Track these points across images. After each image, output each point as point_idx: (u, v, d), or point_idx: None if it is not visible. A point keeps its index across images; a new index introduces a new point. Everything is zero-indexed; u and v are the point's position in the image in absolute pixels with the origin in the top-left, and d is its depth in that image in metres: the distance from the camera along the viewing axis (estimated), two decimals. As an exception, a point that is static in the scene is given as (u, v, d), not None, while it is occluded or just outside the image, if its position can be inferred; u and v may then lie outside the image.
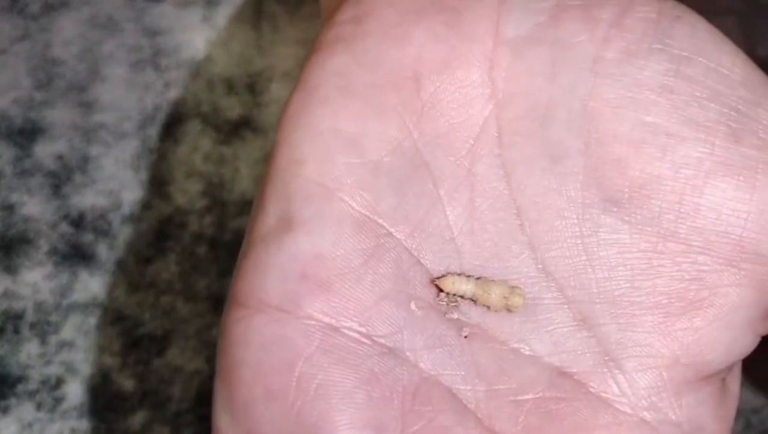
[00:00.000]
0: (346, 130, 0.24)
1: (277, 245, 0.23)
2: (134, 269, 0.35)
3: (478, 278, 0.24)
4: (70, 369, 0.33)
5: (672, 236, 0.23)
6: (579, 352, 0.24)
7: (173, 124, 0.37)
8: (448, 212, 0.24)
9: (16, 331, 0.34)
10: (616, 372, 0.24)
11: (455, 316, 0.24)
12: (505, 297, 0.24)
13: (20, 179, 0.36)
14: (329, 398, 0.22)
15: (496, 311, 0.24)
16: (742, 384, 0.34)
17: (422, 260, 0.24)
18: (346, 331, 0.23)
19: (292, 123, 0.24)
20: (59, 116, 0.37)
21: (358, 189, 0.24)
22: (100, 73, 0.38)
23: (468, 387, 0.24)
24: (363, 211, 0.24)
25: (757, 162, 0.23)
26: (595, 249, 0.24)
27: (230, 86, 0.38)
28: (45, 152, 0.36)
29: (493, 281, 0.24)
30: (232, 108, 0.37)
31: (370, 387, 0.23)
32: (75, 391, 0.33)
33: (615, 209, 0.24)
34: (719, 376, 0.24)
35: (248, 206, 0.35)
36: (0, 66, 0.38)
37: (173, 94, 0.38)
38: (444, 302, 0.24)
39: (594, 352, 0.24)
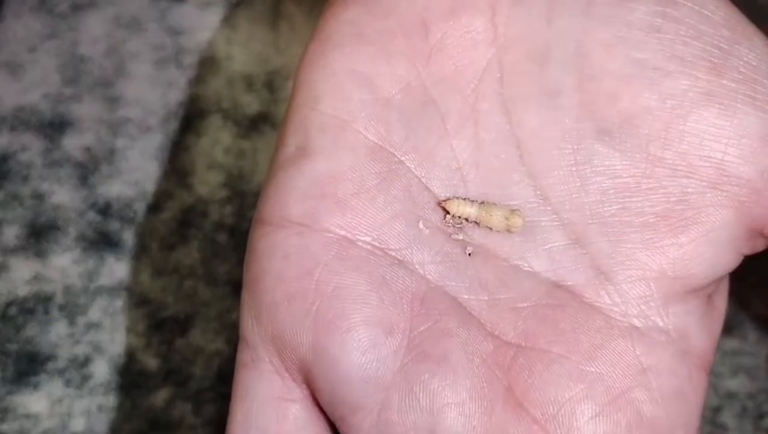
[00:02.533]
0: (360, 70, 0.25)
1: (296, 169, 0.25)
2: (158, 255, 0.35)
3: (481, 203, 0.25)
4: (97, 348, 0.34)
5: (659, 161, 0.25)
6: (573, 267, 0.25)
7: (195, 118, 0.38)
8: (454, 145, 0.26)
9: (46, 312, 0.35)
10: (608, 284, 0.25)
11: (460, 237, 0.25)
12: (506, 218, 0.25)
13: (50, 169, 0.37)
14: (344, 299, 0.24)
15: (497, 231, 0.25)
16: (739, 371, 0.34)
17: (430, 187, 0.25)
18: (360, 243, 0.24)
19: (309, 67, 0.26)
20: (87, 110, 0.38)
21: (371, 121, 0.25)
22: (126, 69, 0.38)
23: (471, 297, 0.25)
24: (376, 140, 0.25)
25: (737, 93, 0.24)
26: (589, 175, 0.25)
27: (249, 83, 0.38)
28: (73, 144, 0.37)
29: (494, 204, 0.25)
30: (251, 104, 0.38)
31: (382, 291, 0.24)
32: (102, 369, 0.34)
33: (607, 139, 0.25)
34: (705, 291, 0.26)
35: (266, 197, 0.36)
36: (30, 63, 0.38)
37: (195, 90, 0.38)
38: (450, 224, 0.25)
39: (587, 267, 0.25)
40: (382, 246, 0.25)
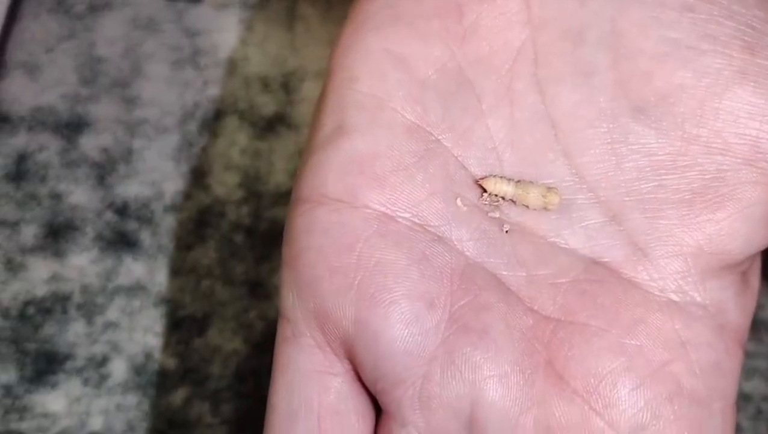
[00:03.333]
0: (396, 51, 0.25)
1: (334, 147, 0.25)
2: (176, 255, 0.36)
3: (517, 181, 0.25)
4: (115, 347, 0.34)
5: (694, 139, 0.25)
6: (610, 244, 0.25)
7: (212, 119, 0.38)
8: (489, 124, 0.26)
9: (64, 312, 0.35)
10: (645, 260, 0.25)
11: (497, 215, 0.25)
12: (542, 196, 0.25)
13: (67, 169, 0.37)
14: (386, 273, 0.24)
15: (534, 209, 0.25)
16: (754, 374, 0.34)
17: (467, 166, 0.26)
18: (400, 219, 0.25)
19: (345, 49, 0.26)
20: (104, 110, 0.38)
21: (408, 101, 0.25)
22: (143, 70, 0.39)
23: (510, 273, 0.25)
24: (413, 119, 0.25)
25: None
26: (624, 153, 0.25)
27: (265, 84, 0.39)
28: (90, 144, 0.37)
29: (531, 182, 0.25)
30: (267, 105, 0.38)
31: (422, 266, 0.24)
32: (120, 368, 0.34)
33: (642, 117, 0.25)
34: (740, 268, 0.26)
35: (283, 198, 0.36)
36: (48, 63, 0.39)
37: (212, 91, 0.38)
38: (487, 202, 0.25)
39: (624, 244, 0.25)
40: (422, 223, 0.25)
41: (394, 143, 0.25)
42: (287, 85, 0.39)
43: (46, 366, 0.34)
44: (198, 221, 0.36)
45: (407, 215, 0.25)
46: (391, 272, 0.24)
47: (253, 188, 0.37)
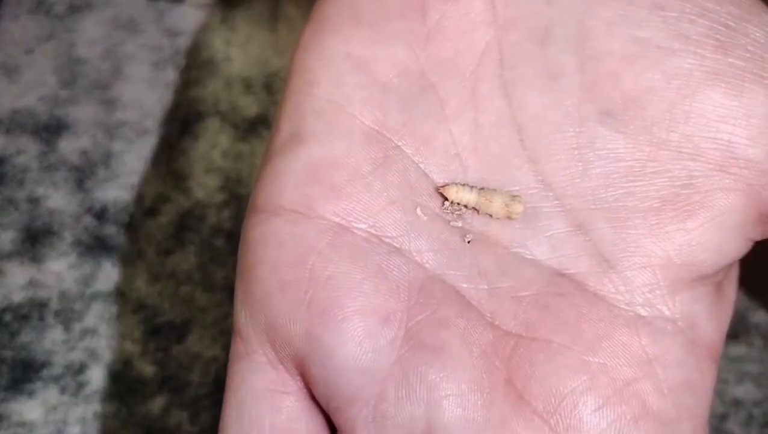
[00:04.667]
0: (357, 54, 0.25)
1: (291, 155, 0.24)
2: (155, 260, 0.35)
3: (480, 189, 0.25)
4: (93, 355, 0.34)
5: (664, 143, 0.24)
6: (576, 255, 0.25)
7: (193, 121, 0.38)
8: (453, 129, 0.25)
9: (41, 318, 0.34)
10: (612, 272, 0.24)
11: (459, 224, 0.25)
12: (506, 204, 0.24)
13: (45, 173, 0.37)
14: (339, 288, 0.23)
15: (497, 218, 0.25)
16: (745, 379, 0.34)
17: (428, 173, 0.25)
18: (355, 231, 0.24)
19: (304, 51, 0.25)
20: (83, 113, 0.38)
21: (368, 106, 0.25)
22: (123, 72, 0.38)
23: (471, 286, 0.24)
24: (372, 125, 0.25)
25: (744, 71, 0.24)
26: (592, 159, 0.25)
27: (248, 85, 0.38)
28: (69, 147, 0.37)
29: (494, 190, 0.25)
30: (250, 106, 0.38)
31: (378, 280, 0.24)
32: (97, 376, 0.34)
33: (610, 121, 0.24)
34: (713, 278, 0.25)
35: (265, 201, 0.36)
36: (26, 65, 0.38)
37: (193, 92, 0.38)
38: (449, 211, 0.25)
39: (590, 254, 0.25)
40: (378, 234, 0.24)
41: (351, 151, 0.24)
42: (270, 87, 0.38)
43: (22, 374, 0.34)
44: (178, 225, 0.36)
45: (363, 226, 0.24)
46: (344, 286, 0.23)
47: (234, 191, 0.36)
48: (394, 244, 0.24)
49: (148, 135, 0.37)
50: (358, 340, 0.23)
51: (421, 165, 0.25)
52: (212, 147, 0.37)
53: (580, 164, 0.25)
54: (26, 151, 0.37)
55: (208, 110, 0.38)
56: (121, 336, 0.34)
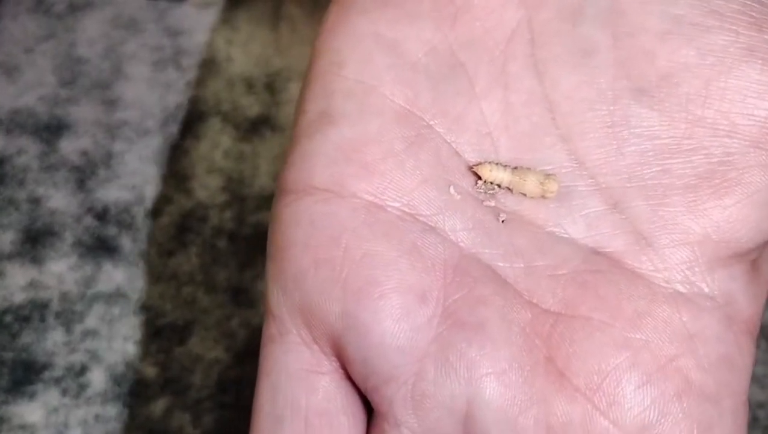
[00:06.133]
0: (385, 34, 0.25)
1: (321, 136, 0.24)
2: (156, 261, 0.35)
3: (514, 168, 0.24)
4: (94, 356, 0.34)
5: (700, 120, 0.24)
6: (612, 233, 0.24)
7: (194, 121, 0.37)
8: (483, 108, 0.25)
9: (42, 320, 0.34)
10: (649, 249, 0.24)
11: (492, 203, 0.24)
12: (540, 183, 0.24)
13: (46, 173, 0.36)
14: (374, 266, 0.23)
15: (531, 198, 0.24)
16: (750, 381, 0.34)
17: (460, 152, 0.25)
18: (389, 209, 0.24)
19: (331, 32, 0.25)
20: (84, 112, 0.37)
21: (398, 86, 0.24)
22: (123, 71, 0.38)
23: (507, 264, 0.24)
24: (403, 104, 0.24)
25: None
26: (626, 137, 0.24)
27: (249, 85, 0.38)
28: (70, 147, 0.37)
29: (528, 168, 0.24)
30: (252, 106, 0.38)
31: (413, 258, 0.23)
32: (99, 378, 0.33)
33: (644, 99, 0.24)
34: (750, 256, 0.25)
35: (267, 202, 0.36)
36: (27, 64, 0.38)
37: (194, 92, 0.38)
38: (481, 190, 0.24)
39: (627, 232, 0.24)
40: (412, 212, 0.24)
41: (383, 130, 0.24)
42: (272, 86, 0.38)
43: (23, 376, 0.33)
44: (180, 226, 0.36)
45: (397, 204, 0.24)
46: (380, 264, 0.23)
47: (236, 192, 0.36)
48: (429, 222, 0.24)
49: (149, 135, 0.37)
50: (395, 318, 0.23)
51: (453, 144, 0.25)
52: (214, 147, 0.37)
53: (614, 142, 0.24)
54: (27, 151, 0.37)
55: (209, 110, 0.38)
56: (123, 338, 0.34)
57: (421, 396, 0.23)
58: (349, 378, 0.24)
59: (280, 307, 0.24)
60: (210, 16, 0.39)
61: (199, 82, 0.38)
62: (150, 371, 0.34)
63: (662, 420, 0.23)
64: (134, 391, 0.33)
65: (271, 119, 0.37)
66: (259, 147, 0.37)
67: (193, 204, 0.36)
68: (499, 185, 0.24)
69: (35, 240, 0.35)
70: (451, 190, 0.24)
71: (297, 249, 0.24)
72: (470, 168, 0.25)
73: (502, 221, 0.24)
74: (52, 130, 0.37)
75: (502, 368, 0.23)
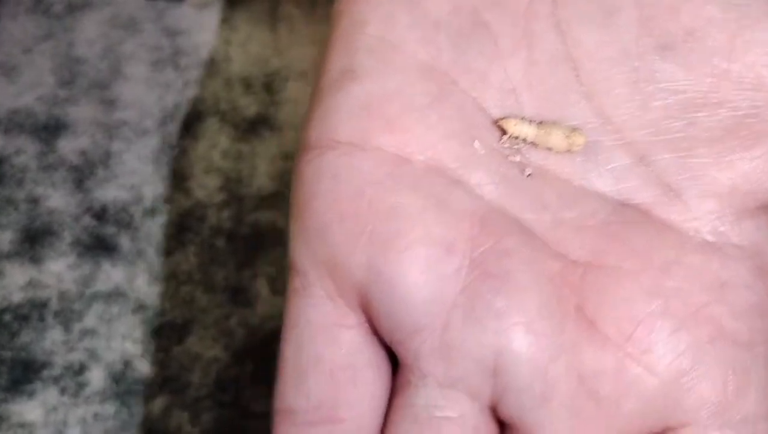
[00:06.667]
0: None
1: (344, 92, 0.24)
2: (155, 261, 0.35)
3: (539, 122, 0.24)
4: (93, 355, 0.34)
5: (725, 74, 0.24)
6: (640, 185, 0.24)
7: (192, 121, 0.37)
8: (507, 67, 0.25)
9: (41, 319, 0.34)
10: (677, 200, 0.24)
11: (518, 159, 0.24)
12: (566, 137, 0.24)
13: (45, 173, 0.36)
14: (400, 218, 0.23)
15: (557, 152, 0.24)
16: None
17: (484, 108, 0.25)
18: (414, 162, 0.24)
19: None
20: (82, 112, 0.37)
21: (421, 43, 0.24)
22: (122, 71, 0.38)
23: (533, 217, 0.24)
24: (426, 61, 0.24)
25: None
26: (652, 93, 0.24)
27: (248, 85, 0.38)
28: (68, 147, 0.37)
29: (554, 123, 0.24)
30: (250, 106, 0.38)
31: (439, 210, 0.23)
32: (98, 377, 0.33)
33: (669, 54, 0.24)
34: None
35: (265, 201, 0.36)
36: (25, 64, 0.38)
37: (192, 92, 0.38)
38: (507, 145, 0.24)
39: (654, 184, 0.24)
40: (437, 165, 0.24)
41: (406, 84, 0.24)
42: (270, 86, 0.38)
43: (22, 375, 0.33)
44: (178, 226, 0.36)
45: (422, 158, 0.24)
46: (406, 216, 0.23)
47: (234, 192, 0.36)
48: (454, 176, 0.24)
49: (147, 135, 0.37)
50: (421, 269, 0.23)
51: (477, 100, 0.25)
52: (212, 147, 0.37)
53: (639, 97, 0.24)
54: (25, 151, 0.37)
55: (207, 110, 0.38)
56: (121, 337, 0.34)
57: (448, 347, 0.23)
58: (374, 332, 0.24)
59: (304, 262, 0.24)
60: (208, 16, 0.39)
61: (198, 82, 0.38)
62: (149, 370, 0.34)
63: (697, 367, 0.23)
64: (133, 390, 0.33)
65: (269, 119, 0.37)
66: (258, 147, 0.37)
67: (192, 204, 0.36)
68: (524, 140, 0.24)
69: (34, 240, 0.35)
70: (476, 144, 0.24)
71: (321, 203, 0.24)
72: (495, 123, 0.24)
73: (528, 176, 0.24)
74: (50, 130, 0.37)
75: (531, 317, 0.23)
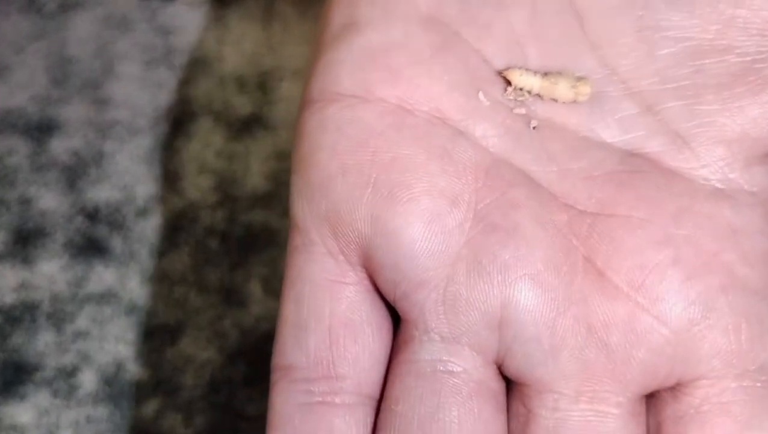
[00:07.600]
0: None
1: (346, 44, 0.24)
2: (148, 262, 0.35)
3: (544, 73, 0.24)
4: (86, 357, 0.34)
5: (731, 20, 0.24)
6: (648, 134, 0.24)
7: (185, 121, 0.37)
8: (510, 18, 0.24)
9: (33, 321, 0.34)
10: (686, 148, 0.24)
11: (523, 111, 0.24)
12: (572, 86, 0.24)
13: (37, 173, 0.36)
14: (404, 169, 0.23)
15: (563, 102, 0.24)
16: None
17: (488, 59, 0.24)
18: (417, 113, 0.23)
19: None
20: (74, 112, 0.37)
21: None
22: (115, 71, 0.38)
23: (540, 168, 0.24)
24: (429, 12, 0.24)
25: None
26: (657, 41, 0.24)
27: (241, 84, 0.38)
28: (61, 147, 0.37)
29: (559, 73, 0.24)
30: (243, 105, 0.38)
31: (443, 161, 0.23)
32: (90, 379, 0.33)
33: (674, 2, 0.24)
34: None
35: (259, 201, 0.36)
36: (17, 64, 0.38)
37: (185, 91, 0.38)
38: (511, 97, 0.24)
39: (662, 133, 0.24)
40: (441, 117, 0.24)
41: (409, 36, 0.24)
42: (264, 85, 0.38)
43: (14, 377, 0.33)
44: (171, 226, 0.36)
45: (425, 109, 0.23)
46: (410, 167, 0.23)
47: (228, 192, 0.36)
48: (458, 127, 0.23)
49: (140, 135, 0.37)
50: (426, 221, 0.23)
51: (481, 51, 0.24)
52: (205, 147, 0.37)
53: (645, 46, 0.24)
54: (17, 151, 0.37)
55: (201, 109, 0.37)
56: (114, 338, 0.34)
57: (453, 299, 0.23)
58: (375, 290, 0.24)
59: (305, 218, 0.24)
60: (201, 15, 0.39)
61: (191, 81, 0.38)
62: (141, 372, 0.33)
63: (709, 315, 0.23)
64: (126, 392, 0.33)
65: (263, 118, 0.37)
66: (251, 146, 0.37)
67: (185, 204, 0.36)
68: (529, 91, 0.24)
69: (26, 241, 0.35)
70: (481, 96, 0.24)
71: (323, 155, 0.23)
72: (499, 74, 0.24)
73: (534, 128, 0.24)
74: (42, 130, 0.37)
75: (538, 269, 0.23)
